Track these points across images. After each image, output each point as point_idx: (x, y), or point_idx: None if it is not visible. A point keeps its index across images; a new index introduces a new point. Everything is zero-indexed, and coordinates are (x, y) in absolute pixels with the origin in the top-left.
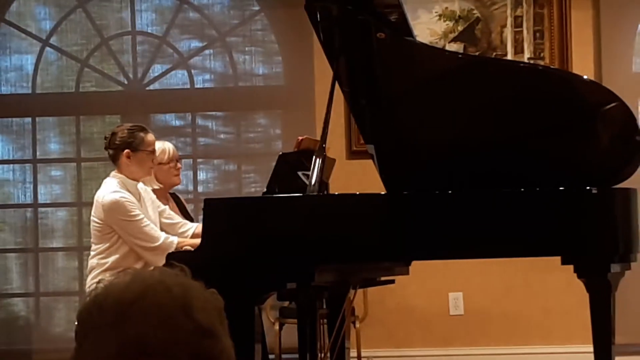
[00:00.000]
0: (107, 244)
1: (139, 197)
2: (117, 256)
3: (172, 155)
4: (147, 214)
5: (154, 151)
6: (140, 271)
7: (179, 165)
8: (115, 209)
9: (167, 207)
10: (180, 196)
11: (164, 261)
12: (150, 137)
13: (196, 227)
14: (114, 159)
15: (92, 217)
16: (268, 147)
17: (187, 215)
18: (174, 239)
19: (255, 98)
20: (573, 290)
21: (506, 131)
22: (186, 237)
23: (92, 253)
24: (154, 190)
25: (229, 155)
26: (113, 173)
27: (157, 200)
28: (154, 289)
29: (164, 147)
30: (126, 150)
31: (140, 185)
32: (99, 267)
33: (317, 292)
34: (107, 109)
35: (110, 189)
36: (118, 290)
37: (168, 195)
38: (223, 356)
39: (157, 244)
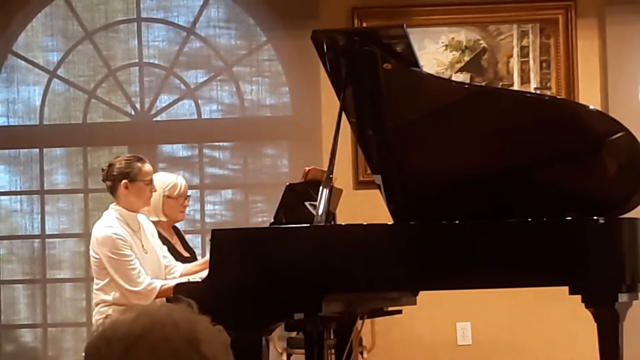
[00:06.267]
0: (107, 280)
1: (138, 227)
2: (117, 292)
3: (182, 191)
4: (147, 245)
5: (151, 181)
6: (147, 306)
7: (186, 202)
8: (105, 244)
9: (165, 247)
10: (179, 227)
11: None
12: (147, 167)
13: (183, 267)
14: (112, 191)
15: (90, 252)
16: (275, 177)
17: (187, 248)
18: (157, 285)
19: (262, 128)
20: (580, 320)
21: (513, 161)
22: (174, 277)
23: (94, 287)
24: (159, 223)
25: (236, 185)
26: (112, 206)
27: (158, 239)
28: (162, 324)
29: (176, 181)
30: (124, 181)
31: (141, 217)
32: (103, 303)
33: (324, 322)
34: (114, 140)
35: (106, 223)
36: (126, 325)
37: (172, 229)
38: None
39: (137, 288)
